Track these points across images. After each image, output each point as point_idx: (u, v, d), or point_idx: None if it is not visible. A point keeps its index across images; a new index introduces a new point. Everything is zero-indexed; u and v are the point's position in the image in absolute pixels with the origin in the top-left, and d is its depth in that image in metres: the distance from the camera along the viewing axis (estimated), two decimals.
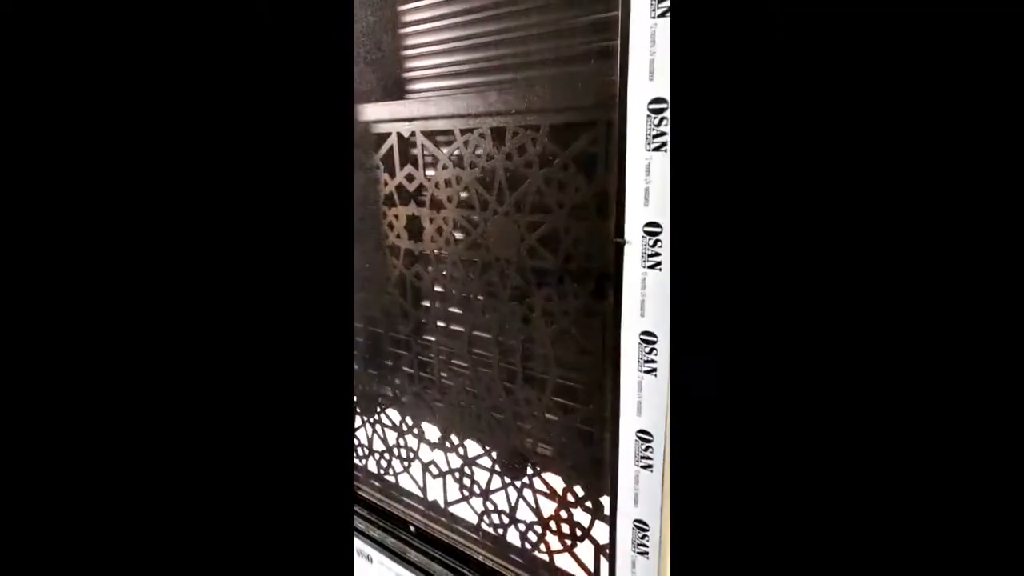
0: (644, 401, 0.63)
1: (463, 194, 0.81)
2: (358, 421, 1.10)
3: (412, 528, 1.01)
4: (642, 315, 0.60)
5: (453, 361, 0.91)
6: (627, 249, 0.60)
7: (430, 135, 0.84)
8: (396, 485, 1.07)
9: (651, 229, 0.58)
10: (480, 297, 0.83)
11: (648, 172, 0.57)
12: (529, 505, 0.84)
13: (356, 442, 1.12)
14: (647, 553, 0.67)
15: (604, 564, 0.76)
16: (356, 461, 1.13)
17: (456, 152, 0.80)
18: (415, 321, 0.96)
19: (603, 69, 0.63)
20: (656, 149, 0.56)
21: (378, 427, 1.07)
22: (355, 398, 1.09)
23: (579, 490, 0.78)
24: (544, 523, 0.83)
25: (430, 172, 0.86)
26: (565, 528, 0.81)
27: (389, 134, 0.89)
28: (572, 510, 0.79)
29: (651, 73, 0.55)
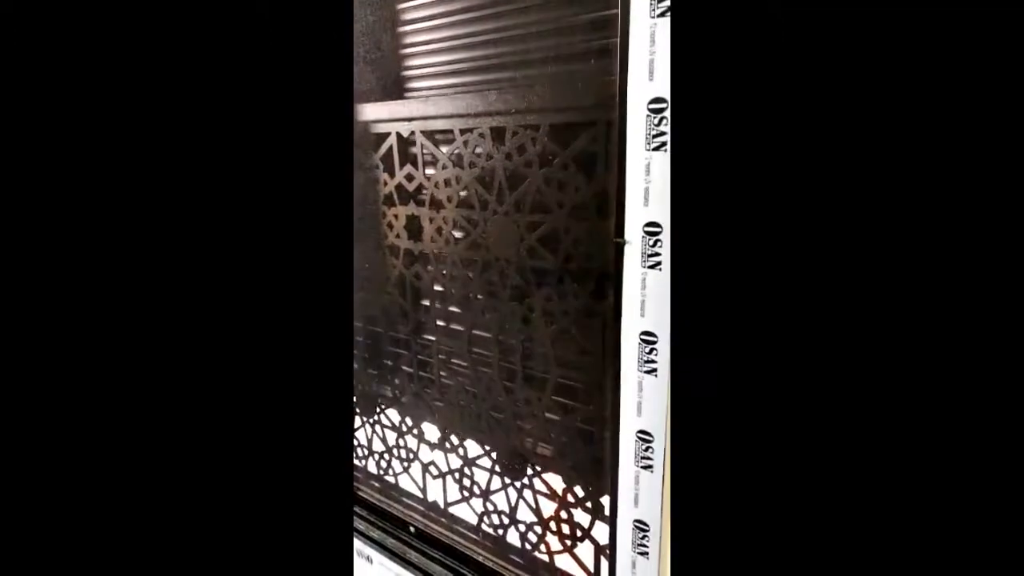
0: (644, 401, 0.63)
1: (463, 193, 0.81)
2: (358, 421, 1.10)
3: (412, 529, 1.01)
4: (642, 315, 0.60)
5: (453, 361, 0.91)
6: (627, 249, 0.60)
7: (430, 135, 0.83)
8: (396, 486, 1.07)
9: (651, 229, 0.58)
10: (480, 297, 0.83)
11: (648, 172, 0.57)
12: (529, 505, 0.84)
13: (356, 443, 1.12)
14: (647, 553, 0.67)
15: (604, 564, 0.76)
16: (356, 462, 1.13)
17: (456, 152, 0.80)
18: (415, 321, 0.95)
19: (603, 68, 0.63)
20: (656, 149, 0.56)
21: (378, 427, 1.07)
22: (355, 398, 1.09)
23: (579, 490, 0.78)
24: (544, 523, 0.83)
25: (430, 172, 0.86)
26: (565, 528, 0.81)
27: (388, 134, 0.89)
28: (572, 510, 0.79)
29: (651, 73, 0.55)
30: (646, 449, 0.64)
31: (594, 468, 0.75)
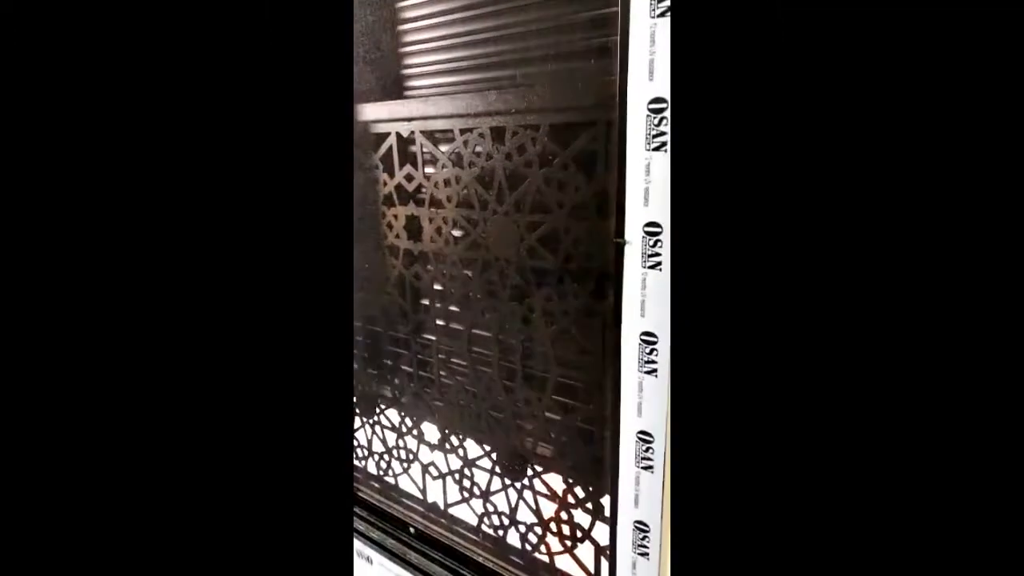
0: (644, 402, 0.63)
1: (463, 193, 0.81)
2: (357, 422, 1.10)
3: (412, 529, 1.01)
4: (642, 315, 0.60)
5: (453, 361, 0.91)
6: (627, 249, 0.60)
7: (429, 135, 0.83)
8: (396, 486, 1.07)
9: (651, 229, 0.58)
10: (479, 297, 0.83)
11: (648, 172, 0.57)
12: (529, 506, 0.84)
13: (355, 443, 1.12)
14: (647, 554, 0.67)
15: (604, 565, 0.76)
16: (356, 462, 1.13)
17: (455, 151, 0.80)
18: (414, 321, 0.95)
19: (603, 68, 0.63)
20: (656, 149, 0.56)
21: (377, 428, 1.07)
22: (355, 398, 1.09)
23: (579, 491, 0.78)
24: (544, 524, 0.83)
25: (429, 171, 0.85)
26: (565, 529, 0.80)
27: (388, 134, 0.89)
28: (572, 511, 0.79)
29: (651, 73, 0.55)
30: (646, 450, 0.64)
31: (594, 469, 0.75)
